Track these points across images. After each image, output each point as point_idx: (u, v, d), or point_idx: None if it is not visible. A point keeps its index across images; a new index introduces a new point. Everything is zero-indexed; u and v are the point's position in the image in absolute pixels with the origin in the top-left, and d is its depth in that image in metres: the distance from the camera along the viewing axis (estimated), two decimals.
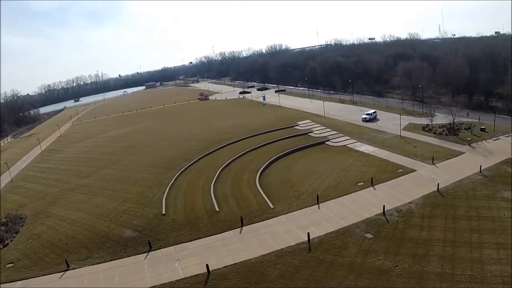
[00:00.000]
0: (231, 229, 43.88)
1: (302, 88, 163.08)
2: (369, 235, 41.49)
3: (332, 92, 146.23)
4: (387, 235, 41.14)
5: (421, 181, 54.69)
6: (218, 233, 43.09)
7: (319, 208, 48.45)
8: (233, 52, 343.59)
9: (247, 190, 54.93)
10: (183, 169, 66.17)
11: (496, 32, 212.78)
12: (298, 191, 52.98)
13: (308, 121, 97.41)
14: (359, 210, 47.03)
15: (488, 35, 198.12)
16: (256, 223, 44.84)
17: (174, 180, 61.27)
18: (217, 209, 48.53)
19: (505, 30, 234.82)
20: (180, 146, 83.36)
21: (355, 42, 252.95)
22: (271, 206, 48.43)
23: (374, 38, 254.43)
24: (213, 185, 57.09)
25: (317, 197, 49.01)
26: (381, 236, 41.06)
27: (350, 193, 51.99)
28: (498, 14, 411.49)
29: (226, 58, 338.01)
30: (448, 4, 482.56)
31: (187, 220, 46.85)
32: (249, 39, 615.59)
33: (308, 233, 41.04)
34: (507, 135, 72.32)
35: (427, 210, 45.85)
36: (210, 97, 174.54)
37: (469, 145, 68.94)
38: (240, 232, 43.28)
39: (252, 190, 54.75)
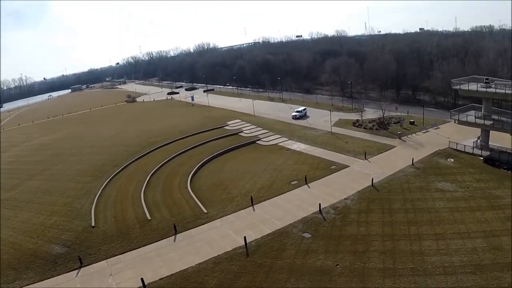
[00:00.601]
0: (165, 237, 56.43)
1: (231, 87, 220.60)
2: (307, 235, 54.13)
3: (261, 90, 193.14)
4: (325, 234, 54.08)
5: (355, 176, 72.36)
6: (151, 243, 55.14)
7: (254, 210, 62.93)
8: (161, 51, 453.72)
9: (179, 195, 71.11)
10: (111, 177, 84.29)
11: (420, 29, 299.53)
12: (231, 194, 69.60)
13: (238, 120, 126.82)
14: (295, 209, 61.33)
15: (412, 31, 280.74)
16: (190, 230, 58.13)
17: (103, 188, 77.93)
18: (149, 218, 62.55)
19: (429, 26, 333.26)
20: (108, 152, 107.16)
21: (283, 40, 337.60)
22: (205, 211, 63.21)
23: (301, 36, 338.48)
24: (144, 192, 73.34)
25: (251, 198, 64.95)
26: (319, 235, 53.84)
27: (285, 192, 68.49)
28: (421, 12, 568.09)
29: (154, 58, 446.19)
30: (374, 3, 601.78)
31: (118, 231, 59.48)
32: (177, 38, 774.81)
33: (245, 237, 53.01)
34: (436, 127, 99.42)
35: (363, 205, 61.00)
36: (138, 99, 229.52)
37: (400, 138, 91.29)
38: (174, 240, 55.60)
39: (184, 195, 70.96)
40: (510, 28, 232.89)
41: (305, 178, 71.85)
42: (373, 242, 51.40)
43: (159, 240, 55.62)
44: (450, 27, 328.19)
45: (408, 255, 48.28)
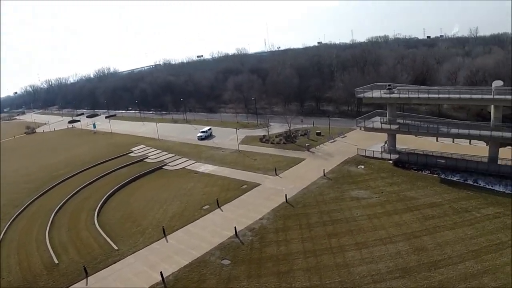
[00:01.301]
0: (75, 282, 53.02)
1: (134, 111, 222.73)
2: (226, 262, 52.66)
3: (164, 112, 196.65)
4: (245, 258, 52.90)
5: (268, 194, 72.50)
6: None
7: (167, 242, 60.76)
8: (60, 78, 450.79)
9: (86, 233, 68.06)
10: (13, 219, 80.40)
11: (318, 42, 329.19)
12: (142, 226, 67.85)
13: (143, 146, 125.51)
14: (210, 236, 59.81)
15: (311, 45, 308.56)
16: (102, 270, 55.03)
17: (4, 233, 73.67)
18: (56, 261, 59.15)
19: (326, 40, 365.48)
20: (8, 191, 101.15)
21: (184, 61, 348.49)
22: (115, 248, 60.67)
23: (202, 56, 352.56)
24: (48, 233, 69.90)
25: (163, 229, 63.37)
26: (239, 260, 52.56)
27: (197, 219, 67.11)
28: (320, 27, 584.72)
29: (53, 85, 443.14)
30: (272, 20, 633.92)
31: (24, 280, 55.67)
32: (76, 63, 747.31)
33: (161, 272, 50.80)
34: (342, 136, 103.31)
35: (280, 223, 60.73)
36: (38, 130, 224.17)
37: (308, 150, 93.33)
38: (86, 284, 52.27)
39: (91, 232, 67.95)
40: (404, 37, 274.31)
41: (217, 201, 71.08)
42: (296, 260, 51.04)
43: (69, 287, 52.31)
44: (347, 40, 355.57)
45: (333, 269, 48.46)
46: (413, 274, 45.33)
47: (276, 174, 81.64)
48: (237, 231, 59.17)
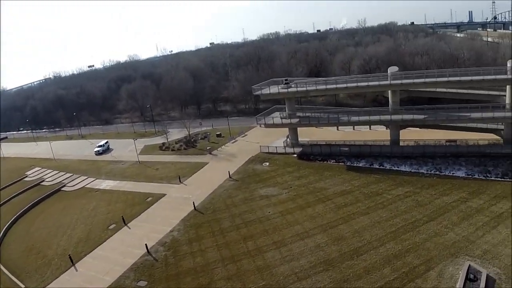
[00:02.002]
0: None
1: (26, 131, 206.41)
2: (142, 283, 49.62)
3: (58, 129, 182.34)
4: (162, 276, 50.25)
5: (175, 204, 70.07)
6: None
7: (76, 270, 55.83)
8: None
9: None
10: None
11: (210, 43, 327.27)
12: (47, 256, 61.98)
13: (38, 168, 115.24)
14: (121, 257, 55.91)
15: (204, 46, 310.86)
16: None
17: None
18: None
19: (218, 40, 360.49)
20: None
21: (75, 72, 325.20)
22: (22, 286, 54.74)
23: (93, 65, 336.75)
24: None
25: (70, 257, 58.57)
26: (156, 279, 49.82)
27: (105, 240, 62.55)
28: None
29: None
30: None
31: None
32: None
33: None
34: (243, 135, 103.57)
35: (192, 233, 58.78)
36: None
37: (211, 153, 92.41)
38: None
39: None
40: (295, 32, 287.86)
41: (123, 218, 67.25)
42: (215, 270, 49.42)
43: None
44: (239, 38, 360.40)
45: (255, 273, 47.52)
46: (337, 265, 45.69)
47: (181, 182, 79.48)
48: (149, 248, 56.22)
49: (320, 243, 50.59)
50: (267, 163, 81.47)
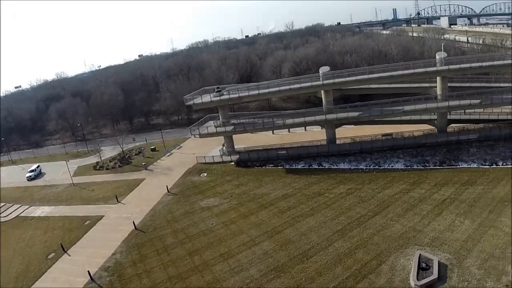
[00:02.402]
0: None
1: None
2: None
3: None
4: None
5: (114, 225, 66.91)
6: None
7: None
8: None
9: None
10: None
11: (139, 55, 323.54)
12: None
13: None
14: None
15: (133, 59, 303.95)
16: None
17: None
18: None
19: (147, 52, 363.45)
20: None
21: (2, 95, 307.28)
22: None
23: (20, 86, 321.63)
24: None
25: None
26: None
27: (45, 271, 58.05)
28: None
29: None
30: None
31: None
32: None
33: None
34: (178, 147, 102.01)
35: (135, 254, 56.34)
36: None
37: (146, 169, 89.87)
38: None
39: None
40: (224, 39, 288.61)
41: (62, 246, 63.22)
42: None
43: None
44: (167, 49, 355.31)
45: None
46: (288, 270, 45.21)
47: (119, 201, 76.45)
48: (92, 274, 53.06)
49: (268, 250, 49.93)
50: (205, 174, 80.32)
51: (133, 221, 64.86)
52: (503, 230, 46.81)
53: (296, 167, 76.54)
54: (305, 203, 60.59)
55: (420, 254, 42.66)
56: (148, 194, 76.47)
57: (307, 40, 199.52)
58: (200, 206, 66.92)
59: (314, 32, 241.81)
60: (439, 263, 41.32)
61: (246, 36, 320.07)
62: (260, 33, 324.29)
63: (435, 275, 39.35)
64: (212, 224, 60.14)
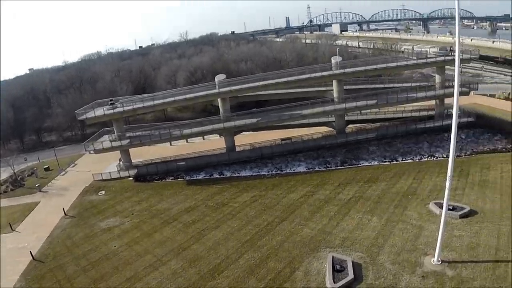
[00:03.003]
0: None
1: None
2: None
3: None
4: None
5: (10, 257, 59.25)
6: None
7: None
8: None
9: None
10: None
11: (30, 69, 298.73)
12: None
13: None
14: None
15: (23, 73, 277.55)
16: None
17: None
18: None
19: (38, 66, 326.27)
20: None
21: None
22: None
23: None
24: None
25: None
26: None
27: None
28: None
29: None
30: None
31: None
32: None
33: None
34: (73, 164, 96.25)
35: None
36: None
37: (41, 191, 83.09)
38: None
39: None
40: (117, 50, 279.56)
41: None
42: None
43: None
44: (59, 62, 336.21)
45: None
46: None
47: (13, 230, 68.10)
48: None
49: (176, 269, 47.20)
50: (103, 192, 75.83)
51: (30, 251, 58.20)
52: (410, 223, 48.41)
53: (197, 177, 75.16)
54: (210, 215, 58.74)
55: (333, 256, 42.49)
56: (44, 218, 69.71)
57: (201, 49, 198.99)
58: (100, 227, 62.35)
59: (209, 41, 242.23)
60: (353, 263, 41.35)
61: (140, 47, 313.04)
62: (154, 44, 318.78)
63: (350, 275, 39.18)
64: (115, 246, 55.91)
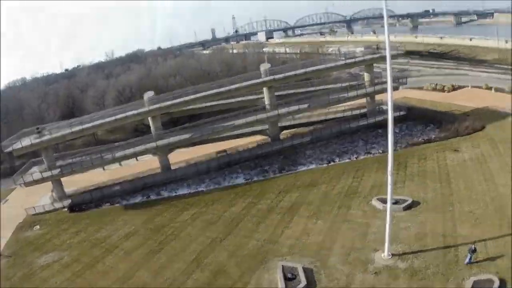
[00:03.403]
0: None
1: None
2: None
3: None
4: None
5: None
6: None
7: None
8: None
9: None
10: None
11: None
12: None
13: None
14: None
15: None
16: None
17: None
18: None
19: None
20: None
21: None
22: None
23: None
24: None
25: None
26: None
27: None
28: None
29: None
30: None
31: None
32: None
33: None
34: (4, 200, 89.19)
35: None
36: None
37: None
38: None
39: None
40: (42, 75, 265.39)
41: None
42: None
43: None
44: None
45: None
46: None
47: None
48: None
49: None
50: (38, 226, 71.04)
51: None
52: (356, 221, 48.78)
53: (134, 201, 72.70)
54: (152, 238, 56.37)
55: (282, 265, 41.63)
56: None
57: (128, 67, 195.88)
58: (39, 265, 57.73)
59: (136, 58, 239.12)
60: (304, 269, 40.65)
61: (66, 70, 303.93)
62: (79, 65, 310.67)
63: (303, 282, 38.46)
64: (56, 283, 51.94)
